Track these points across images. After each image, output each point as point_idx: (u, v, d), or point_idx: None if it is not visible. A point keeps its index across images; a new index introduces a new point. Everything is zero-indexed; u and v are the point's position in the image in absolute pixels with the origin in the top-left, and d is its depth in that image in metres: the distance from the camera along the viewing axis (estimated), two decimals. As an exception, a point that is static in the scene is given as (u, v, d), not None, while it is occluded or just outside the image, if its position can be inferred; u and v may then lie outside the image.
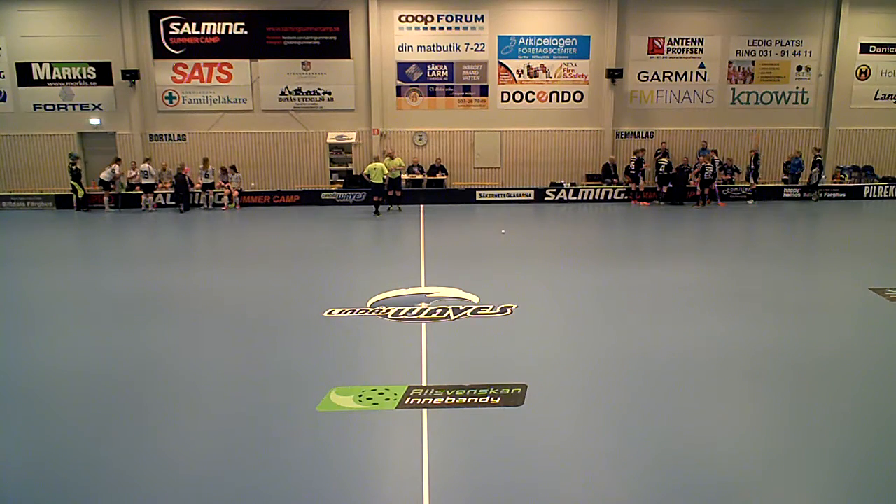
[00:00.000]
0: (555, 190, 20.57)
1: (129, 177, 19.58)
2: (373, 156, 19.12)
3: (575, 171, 21.43)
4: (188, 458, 4.83)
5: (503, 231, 15.15)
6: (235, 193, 19.50)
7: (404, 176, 19.90)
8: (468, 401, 5.63)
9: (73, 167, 19.11)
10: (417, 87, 20.90)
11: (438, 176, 20.85)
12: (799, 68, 21.33)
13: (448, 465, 4.67)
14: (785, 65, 21.31)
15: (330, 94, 20.82)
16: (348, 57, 20.66)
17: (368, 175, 17.57)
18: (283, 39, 20.49)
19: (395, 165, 18.09)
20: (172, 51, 20.33)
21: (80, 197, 19.23)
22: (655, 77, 21.17)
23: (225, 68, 20.51)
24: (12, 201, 19.88)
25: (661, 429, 5.16)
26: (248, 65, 20.55)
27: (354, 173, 20.94)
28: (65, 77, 20.31)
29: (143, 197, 19.28)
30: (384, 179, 17.56)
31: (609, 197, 20.48)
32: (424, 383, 6.06)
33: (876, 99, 21.73)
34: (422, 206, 19.33)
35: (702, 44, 21.03)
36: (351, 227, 16.34)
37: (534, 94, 21.06)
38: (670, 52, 21.04)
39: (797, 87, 21.49)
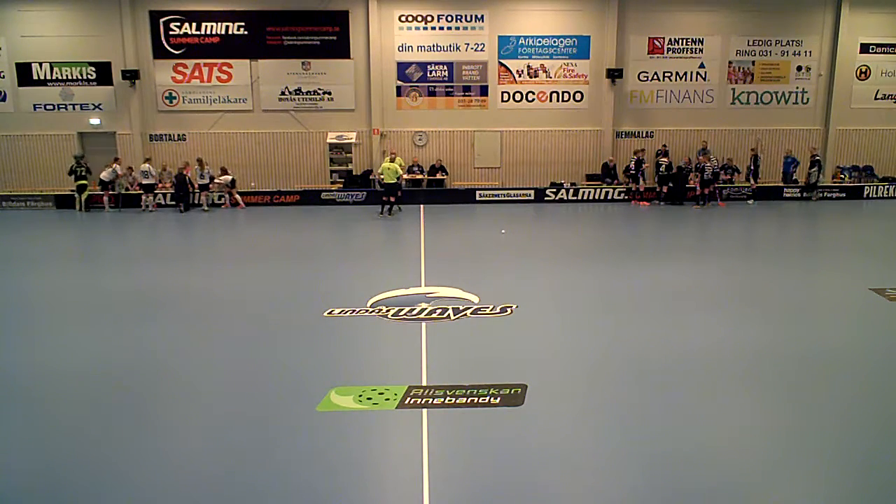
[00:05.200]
0: (555, 190, 20.56)
1: (128, 179, 19.62)
2: (389, 154, 18.98)
3: (575, 171, 21.42)
4: (188, 458, 4.83)
5: (503, 231, 15.14)
6: (234, 192, 19.46)
7: (404, 176, 19.88)
8: (468, 401, 5.63)
9: (84, 165, 19.01)
10: (417, 87, 20.90)
11: (438, 176, 20.84)
12: (799, 68, 21.32)
13: (448, 465, 4.67)
14: (785, 65, 21.30)
15: (330, 94, 20.82)
16: (348, 57, 20.65)
17: (381, 174, 17.62)
18: (283, 39, 20.49)
19: (397, 166, 18.07)
20: (172, 51, 20.32)
21: (84, 199, 19.14)
22: (655, 77, 21.16)
23: (225, 68, 20.50)
24: (12, 201, 19.86)
25: (660, 429, 5.16)
26: (248, 65, 20.54)
27: (354, 173, 20.94)
28: (65, 77, 20.30)
29: (143, 197, 19.27)
30: (397, 179, 17.58)
31: (609, 197, 20.47)
32: (424, 383, 6.06)
33: (876, 99, 21.72)
34: (422, 206, 19.32)
35: (702, 44, 21.02)
36: (351, 227, 16.34)
37: (534, 94, 21.05)
38: (670, 52, 21.03)
39: (797, 87, 21.48)
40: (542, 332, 7.68)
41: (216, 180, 19.29)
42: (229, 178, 19.43)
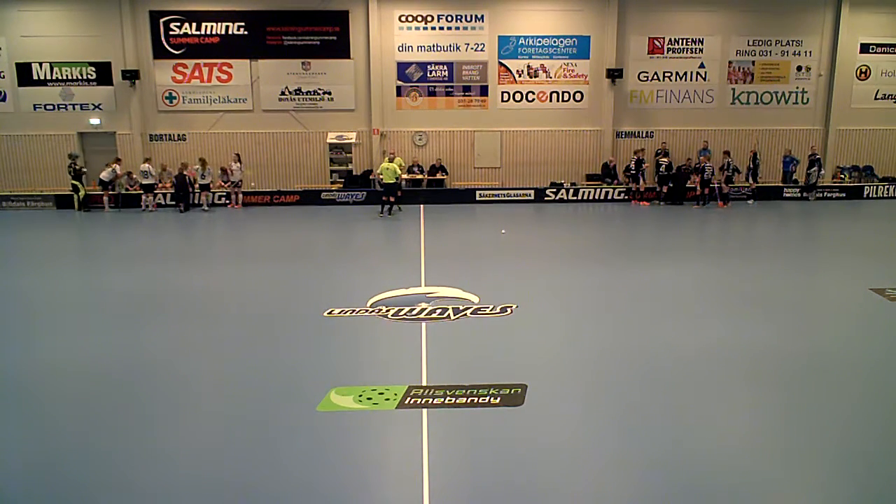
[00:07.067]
0: (555, 190, 20.57)
1: (128, 181, 19.63)
2: (388, 154, 19.01)
3: (575, 171, 21.42)
4: (188, 458, 4.83)
5: (503, 231, 15.14)
6: (238, 192, 19.50)
7: (404, 176, 19.91)
8: (468, 401, 5.63)
9: (75, 167, 19.05)
10: (417, 87, 20.90)
11: (438, 176, 20.85)
12: (799, 68, 21.33)
13: (448, 465, 4.67)
14: (785, 65, 21.30)
15: (330, 94, 20.82)
16: (348, 57, 20.65)
17: (380, 174, 17.65)
18: (283, 39, 20.49)
19: (396, 166, 18.09)
20: (172, 51, 20.32)
21: (81, 197, 19.15)
22: (655, 77, 21.16)
23: (225, 68, 20.50)
24: (12, 201, 19.86)
25: (660, 429, 5.16)
26: (248, 65, 20.55)
27: (354, 173, 20.94)
28: (65, 77, 20.30)
29: (143, 197, 19.28)
30: (397, 179, 17.59)
31: (609, 197, 20.47)
32: (424, 383, 6.06)
33: (876, 99, 21.73)
34: (422, 206, 19.32)
35: (702, 44, 21.02)
36: (351, 227, 16.34)
37: (534, 94, 21.05)
38: (670, 52, 21.03)
39: (797, 87, 21.49)
40: (542, 332, 7.68)
41: (239, 165, 19.21)
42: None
